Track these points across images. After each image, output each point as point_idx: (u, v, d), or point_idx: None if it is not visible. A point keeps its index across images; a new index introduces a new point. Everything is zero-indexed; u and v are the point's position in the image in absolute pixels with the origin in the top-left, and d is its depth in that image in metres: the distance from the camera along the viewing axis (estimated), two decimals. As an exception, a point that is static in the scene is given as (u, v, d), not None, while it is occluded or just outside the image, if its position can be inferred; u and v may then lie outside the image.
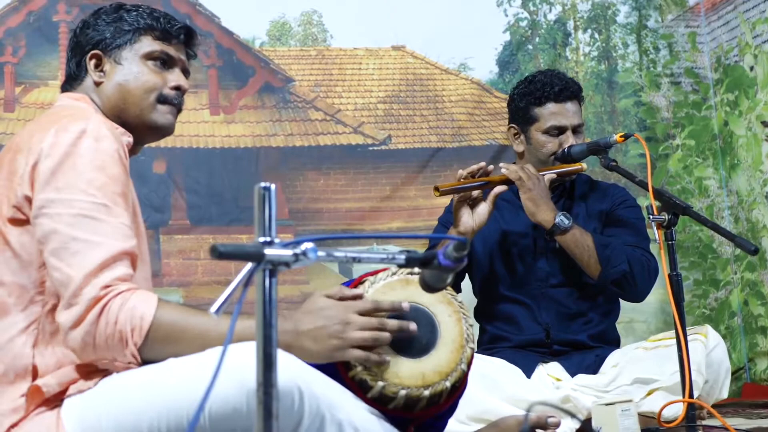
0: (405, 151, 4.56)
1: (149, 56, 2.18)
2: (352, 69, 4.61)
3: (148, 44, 2.18)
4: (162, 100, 2.17)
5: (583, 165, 3.19)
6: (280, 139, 4.41)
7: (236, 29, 4.41)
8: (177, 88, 2.19)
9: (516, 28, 4.82)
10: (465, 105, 4.67)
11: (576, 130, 3.23)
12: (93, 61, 2.16)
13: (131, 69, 2.16)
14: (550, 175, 3.14)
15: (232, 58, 4.43)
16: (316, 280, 4.22)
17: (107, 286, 1.79)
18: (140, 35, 2.18)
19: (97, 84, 2.16)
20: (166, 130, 2.21)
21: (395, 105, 4.60)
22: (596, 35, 4.97)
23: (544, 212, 3.07)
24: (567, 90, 3.24)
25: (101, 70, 2.16)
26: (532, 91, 3.26)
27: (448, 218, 3.23)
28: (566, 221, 3.06)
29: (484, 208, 3.06)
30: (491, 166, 3.09)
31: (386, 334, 1.88)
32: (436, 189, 3.00)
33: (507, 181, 3.10)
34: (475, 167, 3.05)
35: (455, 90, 4.69)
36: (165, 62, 2.20)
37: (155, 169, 4.21)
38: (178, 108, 2.22)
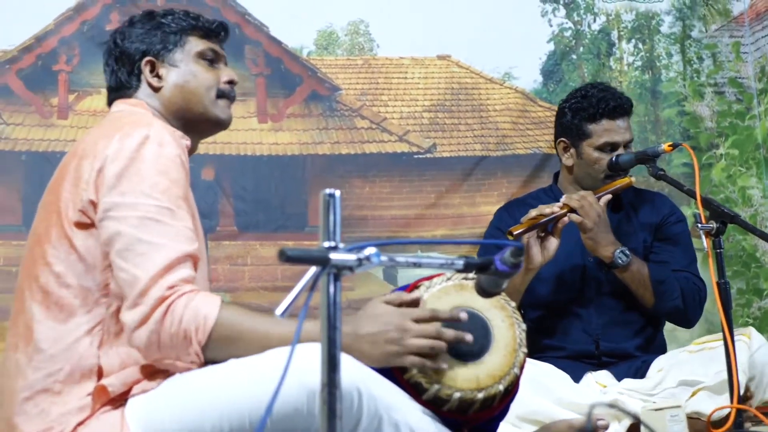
0: (449, 160, 4.56)
1: (201, 55, 2.25)
2: (398, 78, 4.62)
3: (196, 43, 2.25)
4: (220, 95, 2.25)
5: (632, 178, 3.21)
6: (326, 146, 4.42)
7: (284, 38, 4.43)
8: (230, 81, 2.28)
9: (560, 38, 4.83)
10: (509, 114, 4.67)
11: (627, 146, 3.24)
12: (148, 68, 2.22)
13: (189, 69, 2.23)
14: (606, 197, 3.14)
15: (280, 66, 4.45)
16: (361, 287, 4.22)
17: (172, 287, 1.84)
18: (186, 35, 2.25)
19: (156, 89, 2.21)
20: (226, 124, 2.29)
21: (440, 114, 4.60)
22: (640, 45, 4.97)
23: (603, 249, 3.09)
24: (621, 107, 3.24)
25: (157, 75, 2.22)
26: (585, 107, 3.25)
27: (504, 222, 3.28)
28: (625, 258, 3.08)
29: (553, 243, 3.04)
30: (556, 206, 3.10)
31: (442, 343, 1.90)
32: (510, 233, 2.99)
33: (570, 210, 3.09)
34: (548, 210, 3.04)
35: (500, 99, 4.69)
36: (212, 59, 2.27)
37: (203, 176, 4.23)
38: (232, 101, 2.30)
